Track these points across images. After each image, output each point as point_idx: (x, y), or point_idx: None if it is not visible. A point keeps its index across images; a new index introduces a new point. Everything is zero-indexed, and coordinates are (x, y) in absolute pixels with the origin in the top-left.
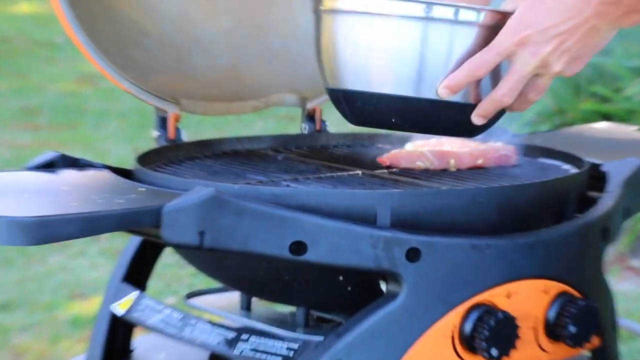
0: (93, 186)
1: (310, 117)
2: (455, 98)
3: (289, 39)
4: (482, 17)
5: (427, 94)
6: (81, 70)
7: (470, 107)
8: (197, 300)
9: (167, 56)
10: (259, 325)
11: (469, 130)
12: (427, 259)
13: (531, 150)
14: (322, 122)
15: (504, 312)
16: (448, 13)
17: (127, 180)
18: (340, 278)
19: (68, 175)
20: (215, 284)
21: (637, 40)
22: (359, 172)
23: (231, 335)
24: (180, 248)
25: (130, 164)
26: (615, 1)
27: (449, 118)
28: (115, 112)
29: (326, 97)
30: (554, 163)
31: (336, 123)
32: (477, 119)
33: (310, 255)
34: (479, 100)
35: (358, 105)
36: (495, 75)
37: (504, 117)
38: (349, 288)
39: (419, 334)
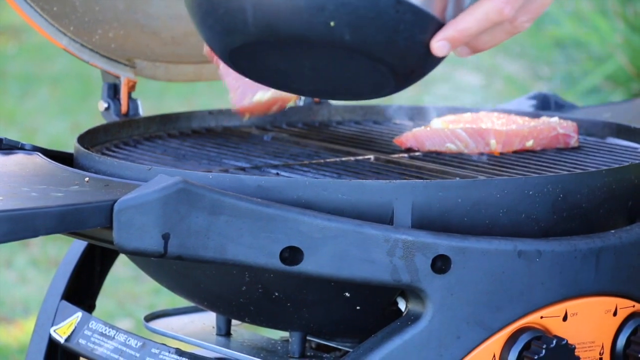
0: (22, 175)
1: None
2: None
3: None
4: None
5: None
6: (1, 21)
7: (433, 23)
8: (159, 324)
9: (118, 2)
10: (241, 356)
11: (398, 77)
12: (459, 270)
13: (598, 128)
14: None
15: (559, 338)
16: None
17: (67, 168)
18: (346, 295)
19: None
20: (183, 303)
21: None
22: (371, 156)
23: None
24: (137, 256)
25: (69, 145)
26: None
27: (391, 37)
28: (46, 76)
29: None
30: (628, 145)
31: None
32: (442, 43)
33: (307, 265)
34: (444, 16)
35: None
36: None
37: (560, 83)
38: (357, 307)
39: None
